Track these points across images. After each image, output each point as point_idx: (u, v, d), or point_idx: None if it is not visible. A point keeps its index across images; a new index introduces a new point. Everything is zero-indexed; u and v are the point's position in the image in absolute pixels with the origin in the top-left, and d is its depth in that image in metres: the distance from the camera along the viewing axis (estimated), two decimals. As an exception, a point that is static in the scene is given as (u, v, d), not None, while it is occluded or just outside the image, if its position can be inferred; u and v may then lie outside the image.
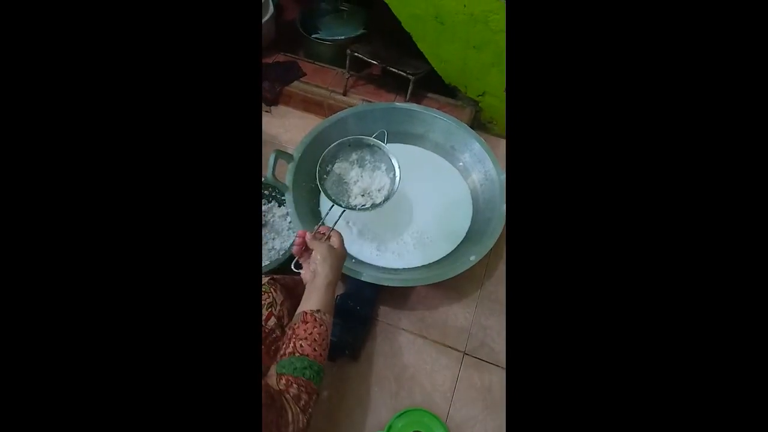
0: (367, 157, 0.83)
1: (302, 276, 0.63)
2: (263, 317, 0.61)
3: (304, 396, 0.49)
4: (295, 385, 0.49)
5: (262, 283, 0.64)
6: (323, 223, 0.74)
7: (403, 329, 0.90)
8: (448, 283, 0.83)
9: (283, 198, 1.00)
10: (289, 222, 0.99)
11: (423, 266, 0.89)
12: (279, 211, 1.02)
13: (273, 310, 0.62)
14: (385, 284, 0.80)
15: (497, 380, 0.84)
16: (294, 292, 0.72)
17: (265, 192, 1.02)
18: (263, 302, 0.62)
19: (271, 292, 0.63)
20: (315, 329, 0.55)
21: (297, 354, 0.52)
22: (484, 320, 0.91)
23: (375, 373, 0.84)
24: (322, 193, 0.78)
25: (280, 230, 0.99)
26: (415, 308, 0.92)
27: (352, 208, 0.77)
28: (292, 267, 0.64)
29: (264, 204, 1.03)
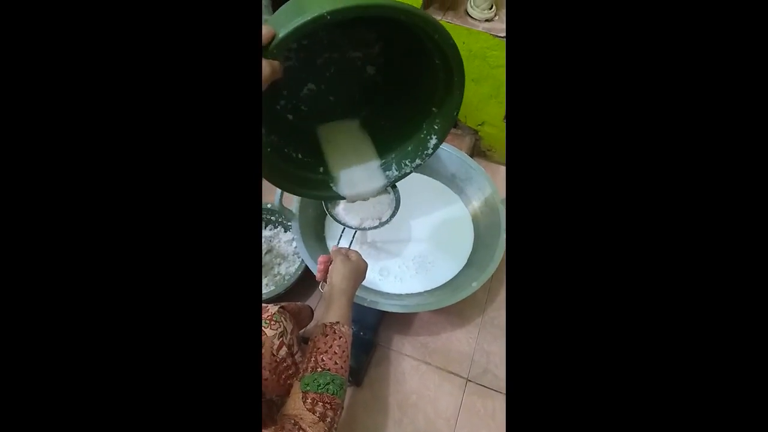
0: None
1: (323, 292, 0.65)
2: (275, 347, 0.62)
3: (330, 413, 0.49)
4: (320, 403, 0.49)
5: (273, 312, 0.65)
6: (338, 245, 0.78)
7: (406, 355, 0.90)
8: (451, 309, 0.84)
9: (289, 224, 1.03)
10: (295, 247, 1.01)
11: (425, 292, 0.91)
12: (285, 237, 1.04)
13: (284, 339, 0.63)
14: (388, 310, 0.81)
15: (500, 407, 0.84)
16: (298, 317, 0.74)
17: (272, 218, 1.05)
18: (275, 332, 0.62)
19: (282, 321, 0.64)
20: (335, 341, 0.55)
21: (319, 369, 0.52)
22: (487, 346, 0.91)
23: (378, 400, 0.84)
24: (327, 220, 0.81)
25: (285, 255, 1.01)
26: (417, 334, 0.93)
27: (363, 229, 0.79)
28: (320, 289, 0.68)
29: (270, 230, 1.05)
